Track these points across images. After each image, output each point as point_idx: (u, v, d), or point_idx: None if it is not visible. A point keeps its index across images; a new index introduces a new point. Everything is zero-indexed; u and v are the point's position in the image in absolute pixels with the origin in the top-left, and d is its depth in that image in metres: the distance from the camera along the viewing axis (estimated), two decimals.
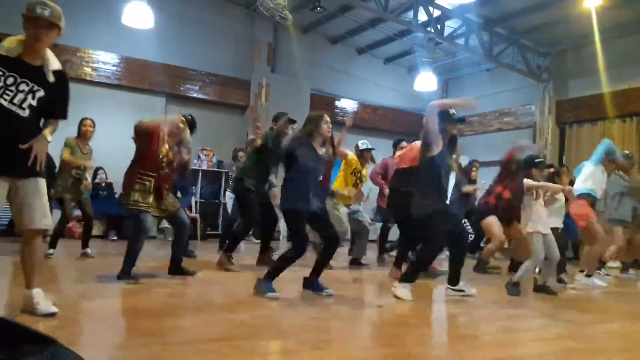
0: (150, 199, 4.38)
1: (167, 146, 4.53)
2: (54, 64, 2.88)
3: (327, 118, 4.14)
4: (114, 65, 9.47)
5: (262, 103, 10.50)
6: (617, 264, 8.06)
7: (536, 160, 4.98)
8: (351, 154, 6.39)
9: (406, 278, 4.23)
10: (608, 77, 9.45)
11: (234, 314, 3.24)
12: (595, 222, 5.81)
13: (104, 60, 9.39)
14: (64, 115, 2.98)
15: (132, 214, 4.36)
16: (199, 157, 10.19)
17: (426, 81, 11.14)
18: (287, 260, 3.93)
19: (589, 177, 5.94)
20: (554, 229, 5.18)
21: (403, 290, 4.13)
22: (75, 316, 3.01)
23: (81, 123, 5.90)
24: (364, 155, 6.47)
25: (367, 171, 6.69)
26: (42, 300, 2.82)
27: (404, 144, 6.76)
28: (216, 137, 10.21)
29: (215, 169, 10.14)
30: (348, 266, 6.44)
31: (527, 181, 4.81)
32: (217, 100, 10.51)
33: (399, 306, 3.96)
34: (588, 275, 5.84)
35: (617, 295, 5.56)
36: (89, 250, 5.88)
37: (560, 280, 5.68)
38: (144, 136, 4.38)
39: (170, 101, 10.07)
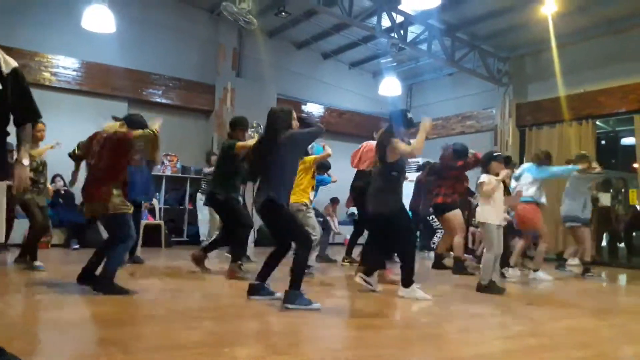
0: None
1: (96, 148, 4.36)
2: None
3: (295, 115, 4.10)
4: (74, 70, 9.25)
5: (228, 108, 10.45)
6: (576, 261, 8.34)
7: (495, 154, 5.14)
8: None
9: (408, 282, 4.39)
10: (565, 81, 9.77)
11: (198, 321, 3.21)
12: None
13: (64, 65, 9.16)
14: (34, 115, 2.75)
15: (116, 217, 4.10)
16: (162, 163, 10.05)
17: (390, 86, 11.29)
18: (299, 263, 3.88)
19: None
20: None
21: (417, 292, 4.33)
22: (35, 326, 2.93)
23: (33, 127, 5.66)
24: None
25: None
26: None
27: None
28: (180, 143, 10.09)
29: (180, 175, 10.01)
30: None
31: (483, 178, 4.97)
32: (181, 105, 10.39)
33: (363, 308, 4.00)
34: (535, 270, 6.31)
35: (577, 291, 5.74)
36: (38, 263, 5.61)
37: (502, 275, 5.96)
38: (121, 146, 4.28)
39: (132, 106, 9.88)
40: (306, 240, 3.87)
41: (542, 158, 6.65)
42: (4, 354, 1.79)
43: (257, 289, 3.96)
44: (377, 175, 4.63)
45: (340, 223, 11.18)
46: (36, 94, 8.39)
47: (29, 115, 2.69)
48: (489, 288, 4.81)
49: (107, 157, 4.23)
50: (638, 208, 9.64)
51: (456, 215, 6.57)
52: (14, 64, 2.62)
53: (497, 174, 4.98)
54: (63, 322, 3.19)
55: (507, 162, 6.25)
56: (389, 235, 4.66)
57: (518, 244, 6.60)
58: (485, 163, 5.11)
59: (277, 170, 3.85)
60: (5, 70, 2.57)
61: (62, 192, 8.29)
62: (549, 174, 6.51)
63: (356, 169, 6.56)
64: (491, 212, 4.88)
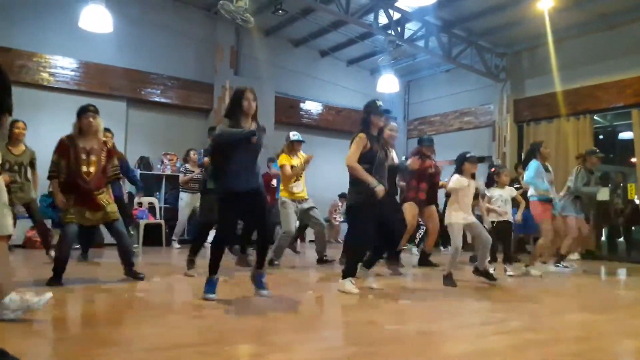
0: (72, 210, 4.41)
1: (93, 157, 4.51)
2: None
3: (248, 95, 3.94)
4: (72, 70, 9.26)
5: (226, 106, 10.44)
6: (576, 256, 8.37)
7: (467, 155, 5.16)
8: (280, 159, 6.38)
9: (345, 273, 4.45)
10: (562, 76, 9.80)
11: (198, 319, 3.22)
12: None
13: (62, 65, 9.17)
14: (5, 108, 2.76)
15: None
16: (162, 162, 10.06)
17: (388, 83, 11.30)
18: (212, 249, 3.98)
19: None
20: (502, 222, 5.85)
21: (348, 285, 4.36)
22: (33, 326, 2.93)
23: (12, 125, 5.78)
24: (294, 147, 6.40)
25: (302, 159, 6.41)
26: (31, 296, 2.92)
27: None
28: (179, 142, 10.10)
29: (179, 174, 10.00)
30: (316, 265, 6.53)
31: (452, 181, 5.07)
32: (179, 104, 10.40)
33: (362, 305, 4.01)
34: (526, 266, 6.36)
35: (576, 286, 5.76)
36: (52, 253, 5.82)
37: (505, 270, 6.10)
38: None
39: (131, 106, 9.92)
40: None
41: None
42: (6, 356, 1.81)
43: (253, 277, 4.12)
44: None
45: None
46: (35, 94, 8.54)
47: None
48: (445, 280, 4.98)
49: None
50: (637, 202, 9.66)
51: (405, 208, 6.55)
52: None
53: (471, 175, 5.06)
54: (63, 322, 3.21)
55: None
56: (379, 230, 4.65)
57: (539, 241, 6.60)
58: (458, 164, 5.16)
59: None
60: None
61: None
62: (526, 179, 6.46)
63: None
64: (456, 212, 5.01)
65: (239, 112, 3.91)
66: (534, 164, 6.37)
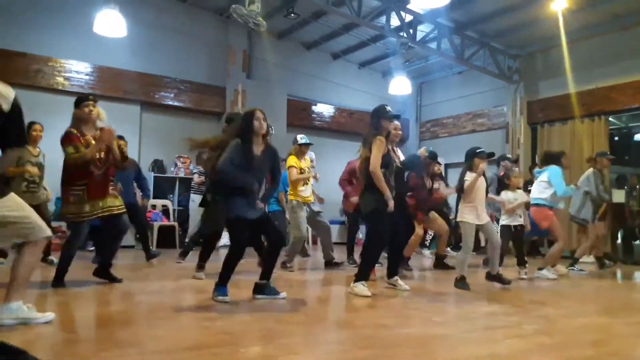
0: (87, 206, 4.39)
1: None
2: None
3: (258, 115, 4.02)
4: (86, 75, 9.37)
5: (239, 109, 10.49)
6: (590, 259, 8.27)
7: (477, 150, 5.11)
8: (289, 159, 6.38)
9: (360, 277, 4.46)
10: (576, 77, 9.69)
11: (211, 321, 3.24)
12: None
13: (77, 70, 9.28)
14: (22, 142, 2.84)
15: (69, 223, 4.63)
16: (175, 165, 10.13)
17: (400, 85, 11.28)
18: (227, 262, 3.96)
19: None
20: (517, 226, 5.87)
21: (360, 288, 4.38)
22: (48, 327, 2.97)
23: (30, 127, 5.83)
24: (301, 150, 6.45)
25: (309, 163, 6.54)
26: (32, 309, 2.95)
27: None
28: None
29: (194, 175, 10.06)
30: (324, 268, 6.54)
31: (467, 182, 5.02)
32: (192, 108, 10.48)
33: (376, 308, 4.00)
34: (540, 269, 6.26)
35: (591, 289, 5.70)
36: (52, 258, 5.87)
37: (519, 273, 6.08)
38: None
39: (145, 109, 10.01)
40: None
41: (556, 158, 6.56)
42: (25, 355, 1.84)
43: (260, 288, 4.11)
44: (365, 172, 4.58)
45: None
46: (50, 98, 8.63)
47: (18, 141, 2.74)
48: (458, 282, 4.96)
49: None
50: None
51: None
52: (12, 95, 2.57)
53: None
54: (76, 323, 3.25)
55: (515, 161, 6.32)
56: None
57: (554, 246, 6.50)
58: (468, 159, 5.11)
59: None
60: (6, 107, 2.55)
61: None
62: (562, 192, 6.20)
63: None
64: (470, 212, 4.94)
65: (250, 132, 3.99)
66: (560, 173, 6.21)
